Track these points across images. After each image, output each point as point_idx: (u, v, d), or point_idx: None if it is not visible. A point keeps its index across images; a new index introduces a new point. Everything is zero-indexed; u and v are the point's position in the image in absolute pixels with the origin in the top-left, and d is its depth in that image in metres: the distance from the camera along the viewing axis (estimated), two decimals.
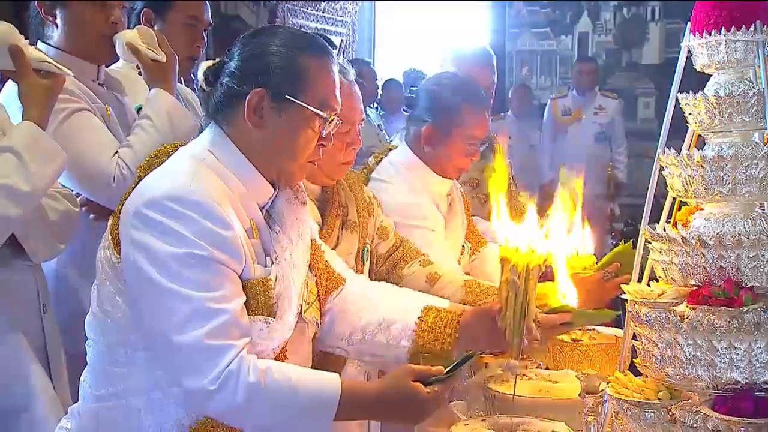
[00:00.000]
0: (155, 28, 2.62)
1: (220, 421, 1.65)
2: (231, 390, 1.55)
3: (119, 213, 1.67)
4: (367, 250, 2.37)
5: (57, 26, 2.43)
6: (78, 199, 2.32)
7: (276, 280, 1.71)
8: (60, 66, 2.11)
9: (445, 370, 1.70)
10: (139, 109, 2.48)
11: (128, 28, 2.56)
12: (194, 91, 2.89)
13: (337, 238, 2.26)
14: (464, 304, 2.22)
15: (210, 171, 1.67)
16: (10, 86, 2.36)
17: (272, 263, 1.73)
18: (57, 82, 2.10)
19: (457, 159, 2.63)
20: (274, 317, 1.69)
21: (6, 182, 1.94)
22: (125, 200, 1.68)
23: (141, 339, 1.65)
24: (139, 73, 2.51)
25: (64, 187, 2.27)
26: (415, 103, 2.69)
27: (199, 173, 1.65)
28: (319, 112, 1.72)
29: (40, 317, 2.19)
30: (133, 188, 1.70)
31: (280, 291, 1.72)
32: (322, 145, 1.77)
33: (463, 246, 2.78)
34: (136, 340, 1.66)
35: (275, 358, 1.72)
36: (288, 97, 1.70)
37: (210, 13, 2.90)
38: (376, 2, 8.45)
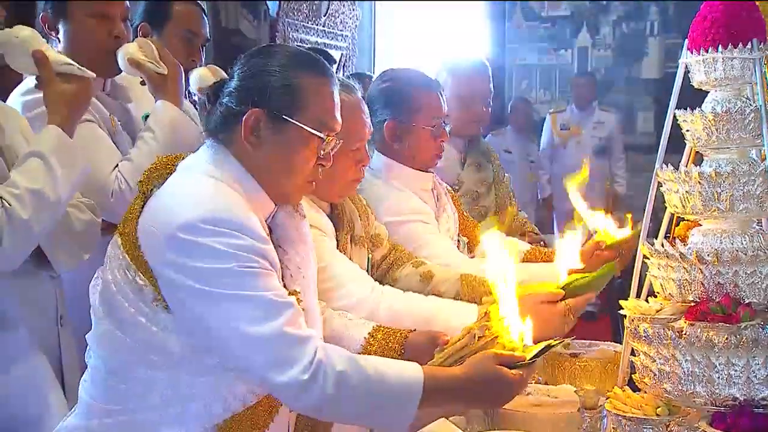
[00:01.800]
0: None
1: (310, 415, 1.66)
2: (322, 380, 1.55)
3: (136, 234, 1.65)
4: (369, 261, 2.37)
5: (60, 41, 2.44)
6: None
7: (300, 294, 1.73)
8: (83, 68, 2.11)
9: (528, 357, 1.70)
10: (146, 118, 2.48)
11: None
12: (194, 104, 2.90)
13: (350, 255, 2.26)
14: (461, 297, 2.25)
15: (228, 188, 1.67)
16: (13, 97, 2.37)
17: (284, 280, 1.73)
18: (81, 85, 2.09)
19: (427, 145, 2.62)
20: None
21: (36, 187, 1.95)
22: (136, 219, 1.66)
23: (166, 358, 1.64)
24: (142, 83, 2.51)
25: None
26: (370, 110, 2.69)
27: (222, 191, 1.65)
28: (316, 132, 1.72)
29: (56, 329, 2.19)
30: (141, 205, 1.68)
31: (304, 308, 1.73)
32: (321, 165, 1.76)
33: (459, 241, 2.78)
34: (158, 358, 1.65)
35: None
36: (285, 117, 1.70)
37: (208, 28, 2.90)
38: (376, 16, 8.48)
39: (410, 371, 1.63)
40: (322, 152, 1.75)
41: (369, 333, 1.97)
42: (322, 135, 1.73)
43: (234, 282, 1.57)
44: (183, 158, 1.77)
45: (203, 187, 1.66)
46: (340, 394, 1.56)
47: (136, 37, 2.73)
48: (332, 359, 1.57)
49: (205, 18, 2.88)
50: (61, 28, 2.43)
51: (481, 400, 1.72)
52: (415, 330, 1.98)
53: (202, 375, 1.65)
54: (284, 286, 1.71)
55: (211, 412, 1.67)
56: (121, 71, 2.49)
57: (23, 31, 2.10)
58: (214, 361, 1.64)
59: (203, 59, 2.86)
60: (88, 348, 1.76)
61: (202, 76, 2.63)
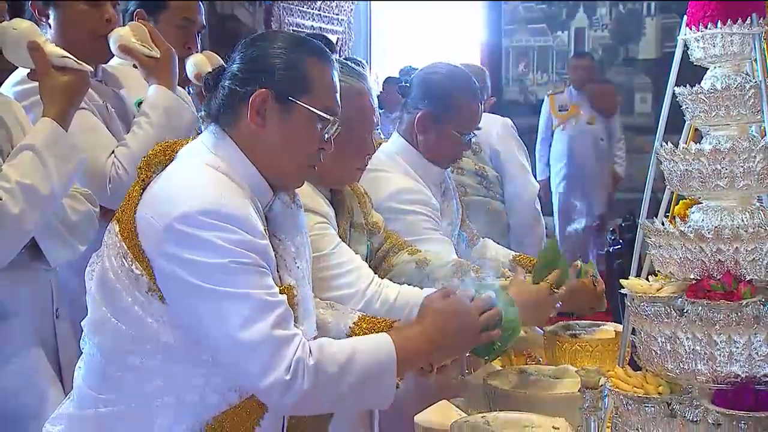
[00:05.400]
0: None
1: (294, 413, 1.70)
2: (300, 377, 1.57)
3: (134, 222, 1.64)
4: (369, 248, 2.37)
5: (51, 26, 2.42)
6: None
7: (294, 288, 1.73)
8: (80, 61, 2.09)
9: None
10: (139, 104, 2.46)
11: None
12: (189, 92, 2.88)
13: (349, 242, 2.25)
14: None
15: (228, 179, 1.66)
16: (4, 88, 2.35)
17: (279, 270, 1.72)
18: (78, 78, 2.07)
19: (449, 147, 2.63)
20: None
21: (28, 182, 1.92)
22: (134, 207, 1.65)
23: (160, 348, 1.64)
24: (135, 67, 2.49)
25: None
26: (409, 92, 2.68)
27: (223, 183, 1.64)
28: (323, 114, 1.72)
29: (52, 321, 2.17)
30: (139, 192, 1.67)
31: (298, 300, 1.72)
32: (322, 149, 1.76)
33: (459, 236, 2.78)
34: (153, 348, 1.65)
35: None
36: (292, 98, 1.70)
37: (204, 15, 2.88)
38: (372, 0, 8.45)
39: (380, 345, 1.69)
40: (325, 136, 1.75)
41: (354, 322, 1.97)
42: (329, 117, 1.73)
43: (227, 278, 1.57)
44: (183, 145, 1.76)
45: (204, 178, 1.65)
46: (315, 387, 1.59)
47: (131, 22, 2.71)
48: (307, 354, 1.59)
49: (201, 5, 2.86)
50: (51, 14, 2.40)
51: (449, 334, 1.76)
52: (399, 320, 1.98)
53: (197, 366, 1.65)
54: (279, 276, 1.71)
55: (206, 404, 1.67)
56: (113, 56, 2.47)
57: (22, 24, 2.08)
58: (208, 354, 1.64)
59: (199, 45, 2.85)
60: (83, 334, 1.76)
61: (198, 62, 2.62)
